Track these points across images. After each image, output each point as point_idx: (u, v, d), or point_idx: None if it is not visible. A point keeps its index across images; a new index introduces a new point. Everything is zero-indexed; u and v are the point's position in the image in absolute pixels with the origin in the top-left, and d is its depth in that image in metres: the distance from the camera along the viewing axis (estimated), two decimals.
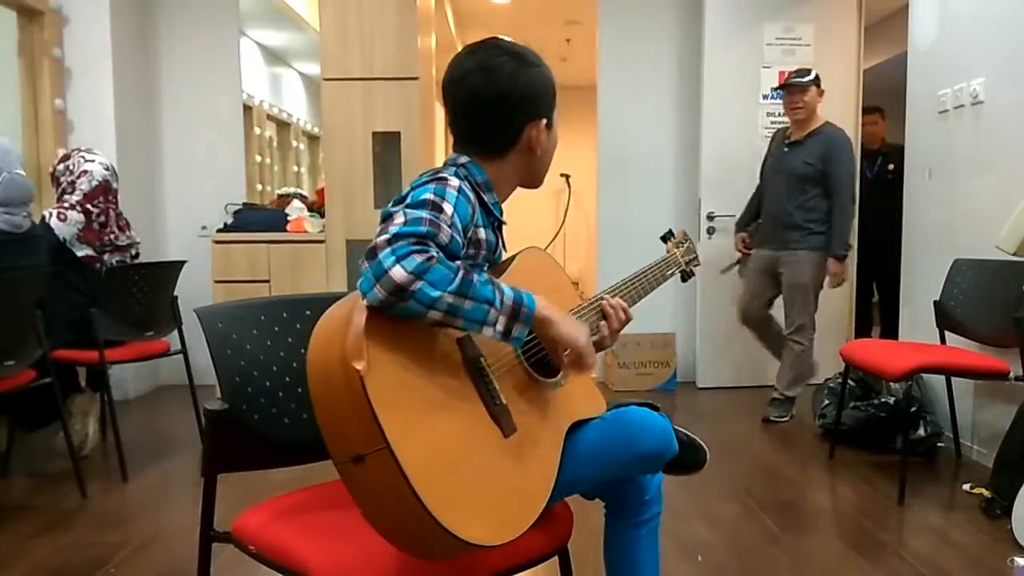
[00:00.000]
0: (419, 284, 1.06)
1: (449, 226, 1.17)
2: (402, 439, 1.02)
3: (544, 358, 1.34)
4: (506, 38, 1.42)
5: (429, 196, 1.20)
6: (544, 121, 1.41)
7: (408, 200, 1.20)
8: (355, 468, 1.04)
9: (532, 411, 1.27)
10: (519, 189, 1.51)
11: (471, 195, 1.29)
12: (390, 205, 1.20)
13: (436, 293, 1.07)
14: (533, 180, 1.48)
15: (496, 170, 1.40)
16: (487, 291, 1.13)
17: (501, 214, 1.43)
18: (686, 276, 1.77)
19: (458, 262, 1.13)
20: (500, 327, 1.15)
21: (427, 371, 1.12)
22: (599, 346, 1.50)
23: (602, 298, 1.48)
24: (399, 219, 1.13)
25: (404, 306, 1.06)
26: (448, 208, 1.19)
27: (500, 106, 1.37)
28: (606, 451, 1.32)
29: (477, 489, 1.10)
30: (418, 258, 1.07)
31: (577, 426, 1.35)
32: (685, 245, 1.78)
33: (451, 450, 1.10)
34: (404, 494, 1.01)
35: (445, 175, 1.27)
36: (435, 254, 1.09)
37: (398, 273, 1.05)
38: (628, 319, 1.48)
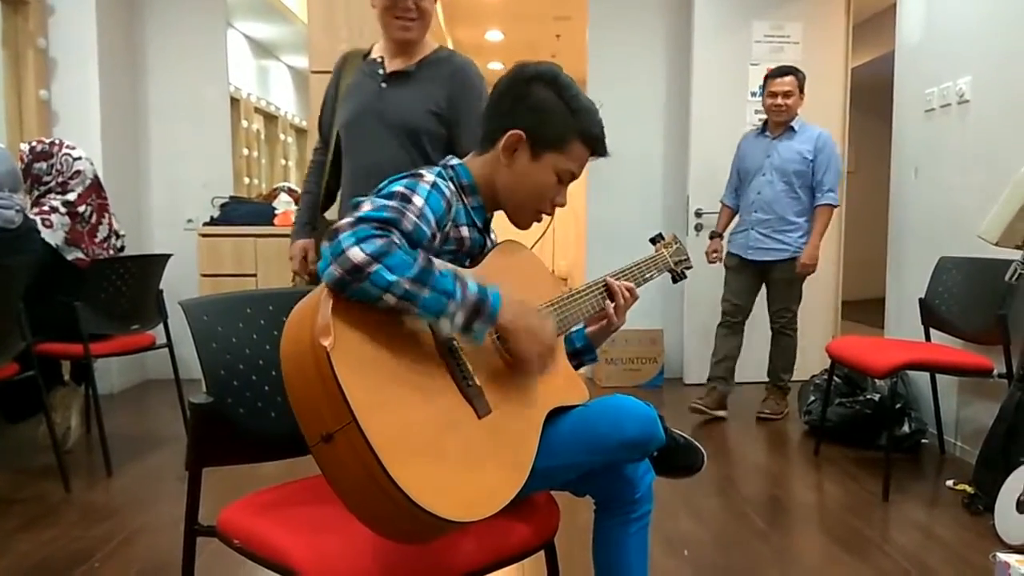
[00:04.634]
0: (376, 267, 1.06)
1: (417, 216, 1.18)
2: (369, 414, 1.02)
3: None
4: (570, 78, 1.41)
5: (400, 189, 1.22)
6: (530, 141, 1.37)
7: (380, 193, 1.22)
8: (326, 448, 1.03)
9: (508, 394, 1.26)
10: None
11: (447, 192, 1.29)
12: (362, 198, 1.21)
13: (393, 277, 1.07)
14: (508, 203, 1.42)
15: (479, 169, 1.41)
16: (447, 283, 1.12)
17: (484, 218, 1.43)
18: (676, 278, 1.78)
19: (420, 251, 1.13)
20: (459, 320, 1.14)
21: (397, 351, 1.13)
22: (607, 329, 1.55)
23: (606, 279, 1.53)
24: (365, 206, 1.15)
25: (359, 287, 1.06)
26: (418, 200, 1.21)
27: (498, 98, 1.40)
28: (588, 437, 1.30)
29: (448, 466, 1.10)
30: (378, 241, 1.07)
31: (559, 413, 1.35)
32: (675, 247, 1.79)
33: (422, 428, 1.10)
34: (373, 469, 1.00)
35: (422, 172, 1.29)
36: (397, 240, 1.10)
37: (356, 254, 1.05)
38: (635, 298, 1.55)
